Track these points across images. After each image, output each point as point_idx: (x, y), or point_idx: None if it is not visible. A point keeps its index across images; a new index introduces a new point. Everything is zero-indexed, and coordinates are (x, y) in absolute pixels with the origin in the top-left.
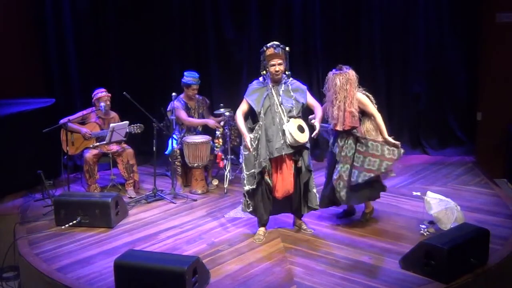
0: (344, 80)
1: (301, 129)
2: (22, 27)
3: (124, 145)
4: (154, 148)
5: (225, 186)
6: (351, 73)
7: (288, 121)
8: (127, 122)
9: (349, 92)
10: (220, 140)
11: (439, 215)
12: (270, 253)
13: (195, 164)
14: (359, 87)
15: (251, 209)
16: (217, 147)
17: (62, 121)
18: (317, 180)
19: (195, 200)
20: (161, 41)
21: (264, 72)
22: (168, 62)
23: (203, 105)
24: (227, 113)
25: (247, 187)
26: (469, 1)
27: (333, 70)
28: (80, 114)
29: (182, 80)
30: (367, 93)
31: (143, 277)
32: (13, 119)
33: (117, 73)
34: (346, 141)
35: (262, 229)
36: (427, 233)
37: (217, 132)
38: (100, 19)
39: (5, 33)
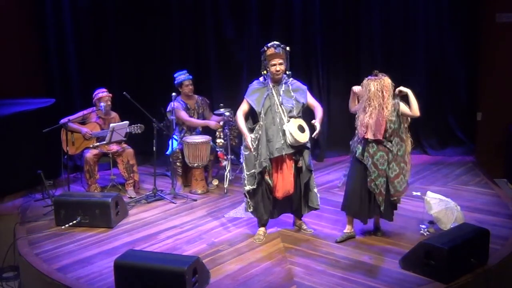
0: (379, 87)
1: (301, 129)
2: (22, 27)
3: (124, 145)
4: (154, 148)
5: (225, 186)
6: (387, 80)
7: (289, 121)
8: (127, 122)
9: (386, 100)
10: (221, 140)
11: (439, 215)
12: (270, 253)
13: (195, 164)
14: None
15: (251, 209)
16: (219, 147)
17: (62, 121)
18: (318, 180)
19: (195, 200)
20: (161, 41)
21: (265, 72)
22: (168, 62)
23: (203, 105)
24: (227, 113)
25: (247, 187)
26: (469, 1)
27: (369, 76)
28: (80, 114)
29: (174, 82)
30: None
31: (143, 277)
32: (13, 119)
33: (117, 73)
34: (377, 152)
35: (262, 229)
36: (427, 233)
37: (217, 133)
38: (100, 19)
39: (5, 33)
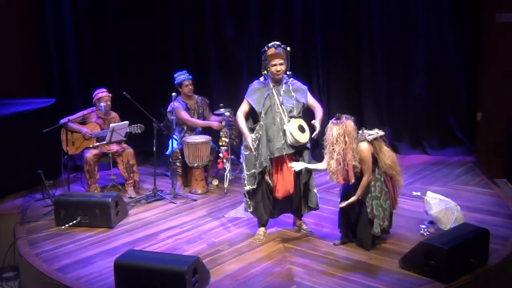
0: (341, 131)
1: (301, 129)
2: (22, 27)
3: (124, 145)
4: (154, 148)
5: (225, 186)
6: (349, 124)
7: (289, 121)
8: (127, 122)
9: (348, 145)
10: (225, 139)
11: (439, 215)
12: (270, 253)
13: (195, 164)
14: (363, 132)
15: (251, 209)
16: (222, 146)
17: (62, 121)
18: (317, 180)
19: (195, 200)
20: (161, 41)
21: (265, 72)
22: (168, 62)
23: (203, 105)
24: (227, 113)
25: (247, 187)
26: (469, 1)
27: (333, 118)
28: (80, 114)
29: (174, 82)
30: (377, 133)
31: (143, 277)
32: (13, 119)
33: (117, 73)
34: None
35: (262, 229)
36: (427, 233)
37: (221, 133)
38: (100, 19)
39: (5, 33)
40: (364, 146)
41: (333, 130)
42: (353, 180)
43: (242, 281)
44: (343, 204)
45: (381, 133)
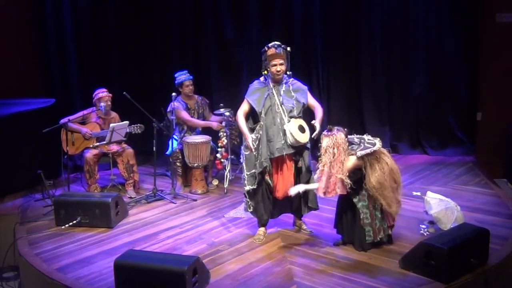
0: (331, 143)
1: (301, 129)
2: (22, 27)
3: (124, 145)
4: (154, 148)
5: (225, 186)
6: (340, 137)
7: (289, 121)
8: (127, 122)
9: (336, 157)
10: (224, 140)
11: (439, 215)
12: (270, 253)
13: (195, 164)
14: (360, 142)
15: (251, 209)
16: (220, 148)
17: (62, 121)
18: None
19: (195, 200)
20: (161, 41)
21: (265, 72)
22: (168, 62)
23: (203, 105)
24: (227, 113)
25: (247, 187)
26: (469, 1)
27: (325, 130)
28: (80, 114)
29: (175, 82)
30: (373, 145)
31: (143, 277)
32: (13, 119)
33: (117, 73)
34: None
35: (262, 229)
36: (427, 233)
37: (220, 133)
38: (100, 19)
39: (5, 33)
40: (352, 160)
41: (324, 141)
42: (333, 194)
43: (242, 281)
44: (292, 191)
45: (376, 147)
